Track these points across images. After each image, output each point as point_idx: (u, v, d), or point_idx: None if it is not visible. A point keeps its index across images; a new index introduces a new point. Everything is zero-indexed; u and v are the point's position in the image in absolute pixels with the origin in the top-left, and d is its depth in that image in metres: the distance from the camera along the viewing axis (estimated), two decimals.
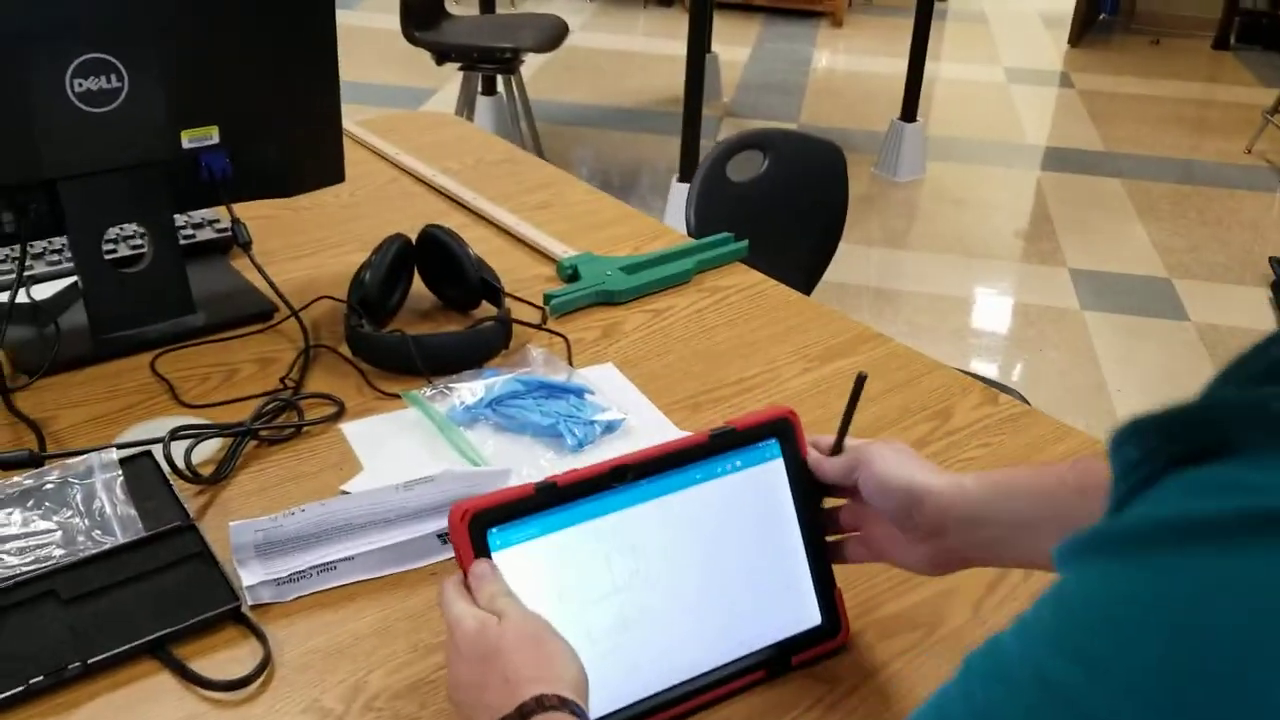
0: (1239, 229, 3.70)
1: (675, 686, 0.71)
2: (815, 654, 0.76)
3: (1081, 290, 3.25)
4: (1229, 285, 3.31)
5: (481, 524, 0.66)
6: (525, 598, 0.67)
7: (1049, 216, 3.77)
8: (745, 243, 1.30)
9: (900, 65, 3.91)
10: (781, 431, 0.75)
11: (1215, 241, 3.60)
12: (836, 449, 0.75)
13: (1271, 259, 3.28)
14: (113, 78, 1.01)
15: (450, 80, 4.42)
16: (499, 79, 3.78)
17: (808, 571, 0.76)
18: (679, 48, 5.42)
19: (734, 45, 5.43)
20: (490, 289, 1.15)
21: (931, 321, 3.07)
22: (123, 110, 1.03)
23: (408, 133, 1.66)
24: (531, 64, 4.79)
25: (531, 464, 0.95)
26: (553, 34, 3.52)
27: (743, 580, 0.74)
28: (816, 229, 1.61)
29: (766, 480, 0.75)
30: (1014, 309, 3.18)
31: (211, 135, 1.10)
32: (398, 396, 1.03)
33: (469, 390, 1.02)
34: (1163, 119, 4.78)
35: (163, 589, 0.78)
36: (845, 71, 5.42)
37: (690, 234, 1.49)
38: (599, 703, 0.68)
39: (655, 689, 0.71)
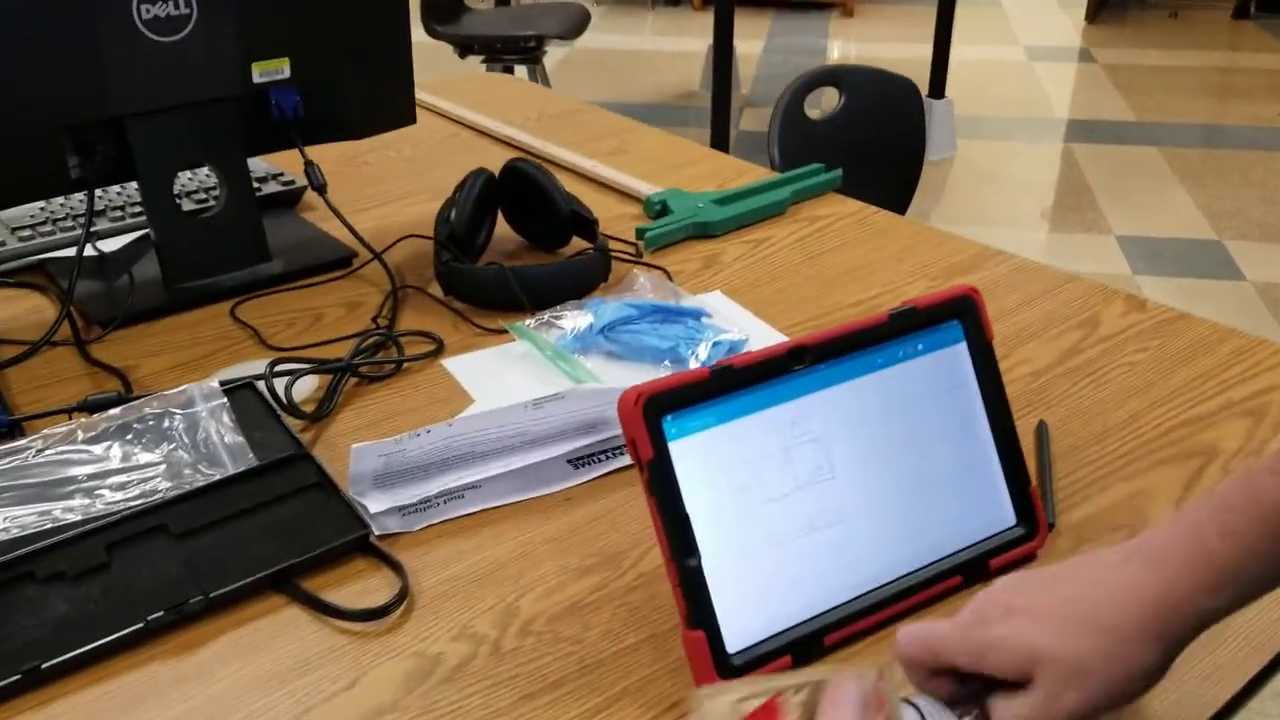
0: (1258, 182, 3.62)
1: (865, 594, 0.64)
2: (1014, 557, 0.68)
3: (1131, 255, 3.17)
4: None
5: (657, 408, 0.58)
6: (705, 492, 0.59)
7: (1088, 186, 3.69)
8: (839, 171, 1.23)
9: (916, 50, 3.86)
10: (964, 312, 0.68)
11: (1261, 202, 3.52)
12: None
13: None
14: (181, 3, 0.94)
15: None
16: (521, 71, 3.72)
17: (999, 467, 0.68)
18: (689, 44, 5.40)
19: (747, 39, 5.37)
20: (583, 222, 1.07)
21: None
22: (191, 39, 0.96)
23: (463, 92, 1.59)
24: (545, 64, 4.75)
25: None
26: (576, 21, 3.47)
27: (932, 477, 0.66)
28: (897, 163, 1.53)
29: (950, 365, 0.68)
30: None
31: (283, 69, 1.03)
32: (501, 331, 0.95)
33: (576, 319, 0.94)
34: (1190, 88, 4.70)
35: (282, 520, 0.71)
36: (859, 59, 5.36)
37: (776, 170, 1.42)
38: (784, 614, 0.61)
39: (845, 597, 0.63)
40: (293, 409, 0.83)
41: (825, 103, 1.53)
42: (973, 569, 0.66)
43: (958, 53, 3.87)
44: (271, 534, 0.69)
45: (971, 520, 0.67)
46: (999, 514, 0.68)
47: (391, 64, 1.11)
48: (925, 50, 3.94)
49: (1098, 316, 0.97)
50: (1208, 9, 5.80)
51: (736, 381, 0.61)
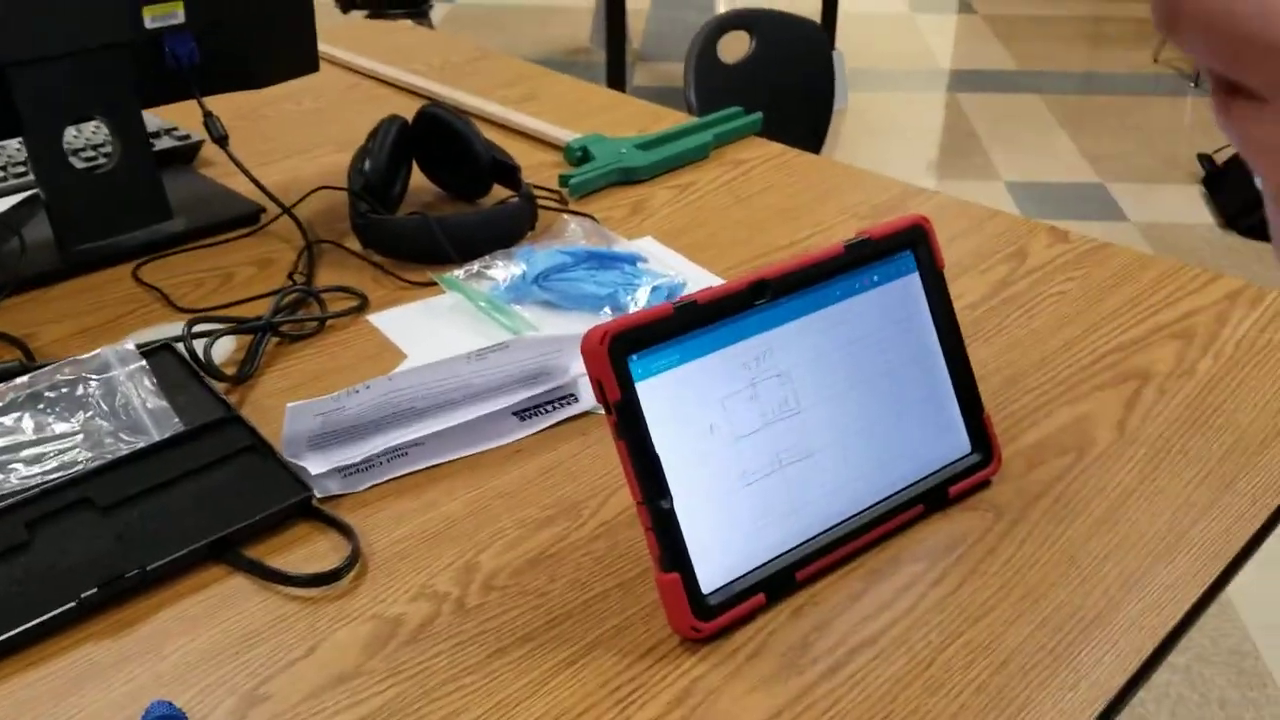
0: (1161, 132, 3.75)
1: (834, 528, 0.63)
2: (971, 484, 0.68)
3: (1020, 200, 3.25)
4: (1161, 185, 3.35)
5: (623, 347, 0.56)
6: (675, 433, 0.57)
7: (974, 133, 3.77)
8: (759, 115, 1.22)
9: (802, 4, 3.86)
10: (915, 241, 0.67)
11: (1141, 146, 3.64)
12: None
13: (1200, 155, 3.32)
14: None
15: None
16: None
17: (954, 396, 0.68)
18: None
19: None
20: (504, 168, 1.04)
21: None
22: None
23: (360, 40, 1.53)
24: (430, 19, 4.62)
25: None
26: None
27: (893, 407, 0.66)
28: (808, 109, 1.53)
29: (905, 295, 0.67)
30: None
31: (176, 13, 0.96)
32: (428, 284, 0.92)
33: (508, 269, 0.91)
34: (1067, 36, 4.83)
35: (217, 487, 0.66)
36: (748, 9, 5.36)
37: (693, 115, 1.40)
38: (755, 552, 0.60)
39: (813, 532, 0.62)
40: (214, 371, 0.78)
41: (737, 48, 1.52)
42: (933, 498, 0.66)
43: (844, 5, 3.89)
44: (207, 502, 0.65)
45: (931, 449, 0.67)
46: (956, 441, 0.68)
47: (291, 5, 1.05)
48: (811, 3, 3.96)
49: (1024, 249, 0.98)
50: None
51: (700, 318, 0.59)
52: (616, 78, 3.25)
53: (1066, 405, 0.77)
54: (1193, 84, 4.13)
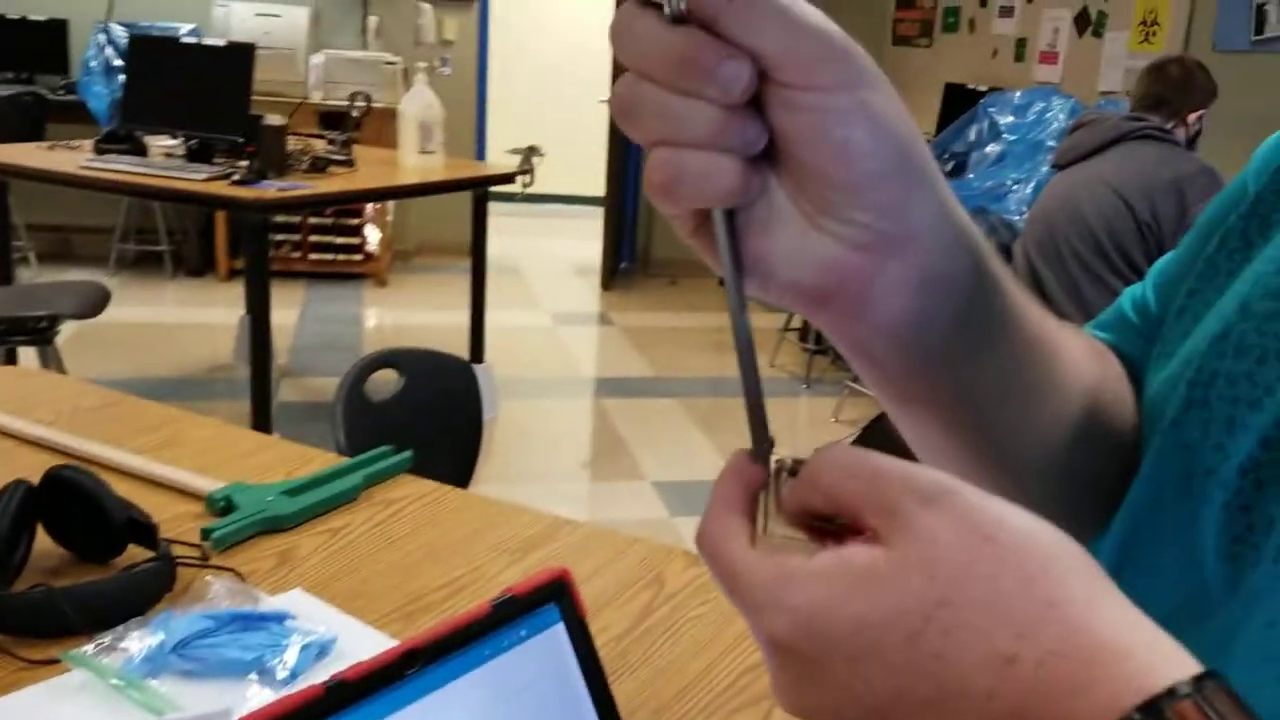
0: (780, 427, 4.15)
1: None
2: None
3: (667, 498, 3.46)
4: None
5: None
6: None
7: (621, 437, 4.02)
8: (409, 452, 1.26)
9: (449, 317, 4.09)
10: (559, 594, 0.72)
11: None
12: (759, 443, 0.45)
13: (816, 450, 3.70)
14: None
15: None
16: (28, 353, 3.42)
17: None
18: (215, 315, 5.29)
19: (282, 308, 5.35)
20: (140, 528, 1.00)
21: None
22: None
23: None
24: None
25: (243, 705, 0.81)
26: (95, 299, 3.29)
27: None
28: (459, 436, 1.59)
29: (552, 647, 0.70)
30: (613, 524, 3.30)
31: None
32: (53, 661, 0.85)
33: (144, 639, 0.86)
34: (695, 345, 5.35)
35: None
36: (396, 326, 5.54)
37: (343, 455, 1.42)
38: None
39: None
40: None
41: (386, 384, 1.58)
42: None
43: (490, 318, 4.13)
44: None
45: None
46: None
47: None
48: (459, 317, 4.17)
49: (662, 575, 1.05)
50: (697, 277, 6.69)
51: (352, 695, 0.59)
52: (262, 396, 3.22)
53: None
54: (804, 385, 4.68)
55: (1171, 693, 0.30)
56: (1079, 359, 0.55)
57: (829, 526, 0.39)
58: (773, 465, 0.43)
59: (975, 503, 0.34)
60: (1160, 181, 2.64)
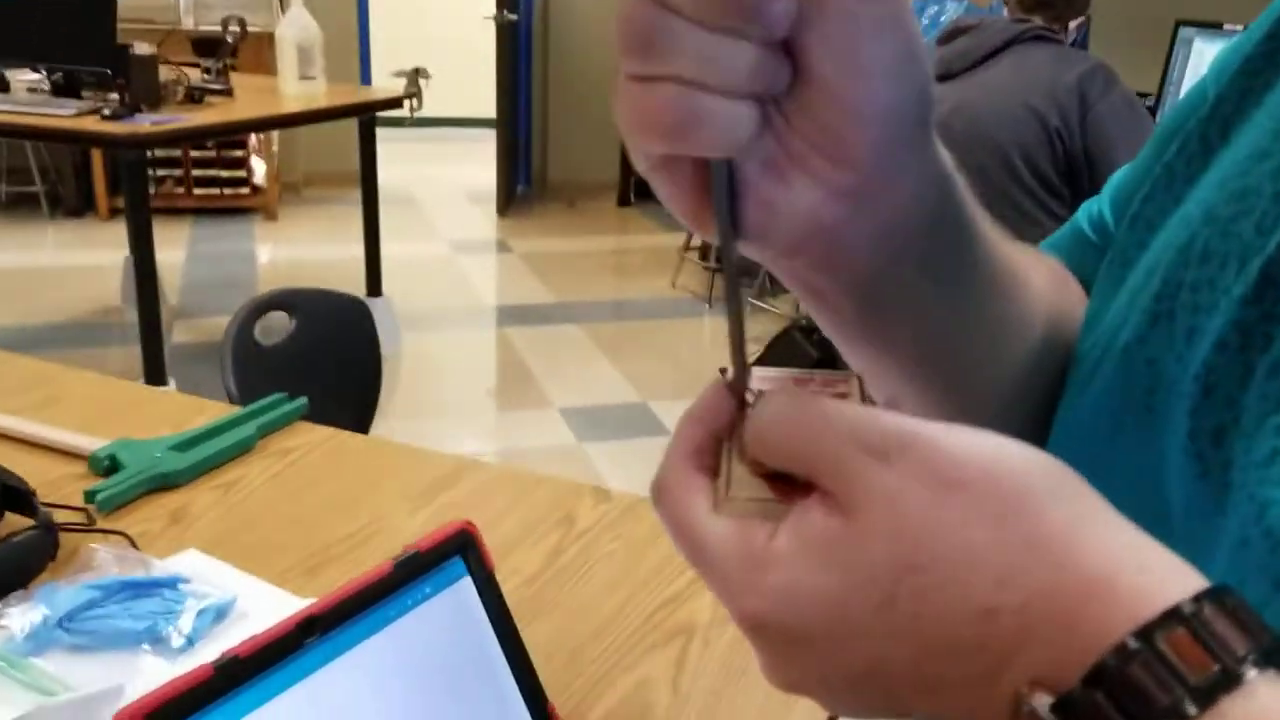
0: (685, 350, 4.18)
1: None
2: None
3: (575, 425, 3.45)
4: (690, 398, 3.70)
5: None
6: None
7: (526, 365, 3.98)
8: (304, 400, 1.21)
9: (344, 249, 3.98)
10: (464, 547, 0.69)
11: (670, 364, 4.03)
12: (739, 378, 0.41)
13: (721, 369, 3.72)
14: None
15: None
16: None
17: (520, 697, 0.70)
18: (100, 257, 5.06)
19: (168, 248, 5.16)
20: (16, 495, 0.94)
21: None
22: None
23: None
24: None
25: (137, 678, 0.78)
26: None
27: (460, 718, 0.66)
28: (357, 377, 1.54)
29: (459, 602, 0.68)
30: (522, 454, 3.28)
31: None
32: None
33: (25, 615, 0.82)
34: (596, 269, 5.31)
35: None
36: (291, 259, 5.38)
37: (235, 404, 1.36)
38: None
39: None
40: None
41: (278, 326, 1.51)
42: None
43: (386, 250, 4.03)
44: None
45: None
46: None
47: None
48: (354, 249, 4.06)
49: (572, 514, 1.03)
50: (596, 199, 6.62)
51: (245, 671, 0.56)
52: (152, 341, 3.09)
53: (625, 672, 0.81)
54: (707, 305, 4.68)
55: (1167, 616, 0.28)
56: (1042, 286, 0.54)
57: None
58: (748, 397, 0.40)
59: (932, 449, 0.32)
60: (1062, 83, 2.50)
